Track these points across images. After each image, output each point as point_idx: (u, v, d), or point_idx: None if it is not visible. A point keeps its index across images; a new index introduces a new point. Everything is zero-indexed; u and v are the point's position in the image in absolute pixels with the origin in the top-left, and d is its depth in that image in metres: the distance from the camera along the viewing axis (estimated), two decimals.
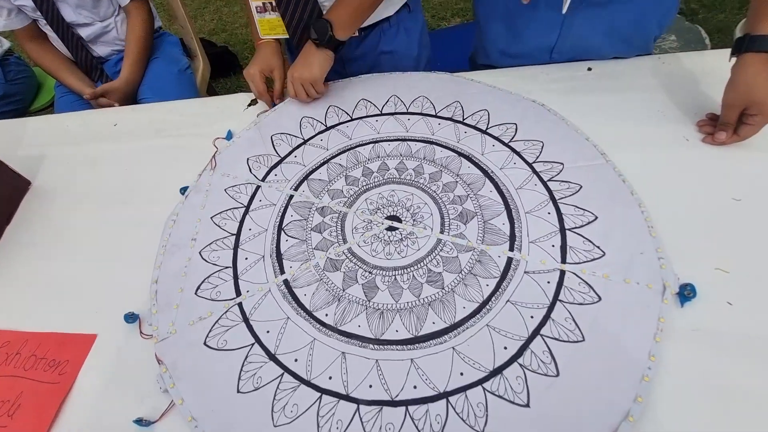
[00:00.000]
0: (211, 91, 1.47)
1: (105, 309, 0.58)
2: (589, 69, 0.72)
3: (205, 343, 0.51)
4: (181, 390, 0.48)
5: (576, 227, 0.53)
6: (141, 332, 0.55)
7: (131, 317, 0.55)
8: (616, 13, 0.65)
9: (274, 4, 0.74)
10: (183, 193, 0.67)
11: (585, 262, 0.51)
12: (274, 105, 0.77)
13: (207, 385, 0.48)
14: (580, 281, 0.49)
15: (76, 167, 0.79)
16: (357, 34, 0.78)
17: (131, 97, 1.13)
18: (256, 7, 0.75)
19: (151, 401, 0.50)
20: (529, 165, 0.61)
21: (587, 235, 0.52)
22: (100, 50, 1.17)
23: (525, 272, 0.51)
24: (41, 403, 0.52)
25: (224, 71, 1.92)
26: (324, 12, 0.74)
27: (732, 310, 0.47)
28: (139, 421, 0.47)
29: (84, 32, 1.12)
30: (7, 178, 0.74)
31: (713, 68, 0.68)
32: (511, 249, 0.53)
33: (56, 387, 0.53)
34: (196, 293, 0.55)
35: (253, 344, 0.50)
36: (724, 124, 0.57)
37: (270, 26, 0.76)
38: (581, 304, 0.48)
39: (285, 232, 0.59)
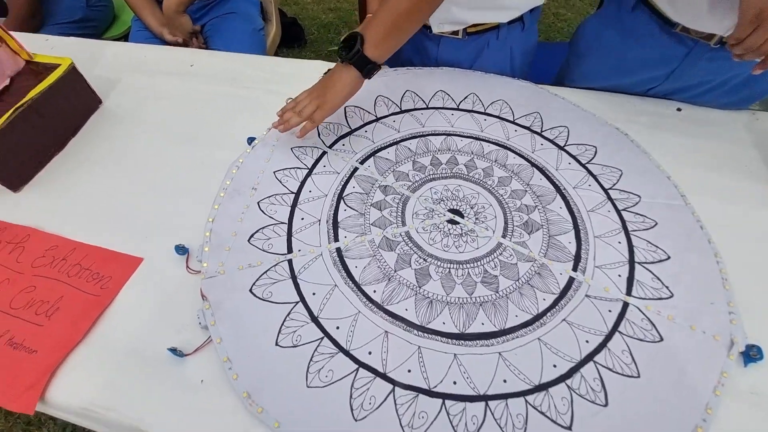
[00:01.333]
0: None
1: (154, 237, 0.58)
2: (679, 109, 0.70)
3: (251, 290, 0.51)
4: (220, 329, 0.48)
5: (646, 262, 0.51)
6: (187, 266, 0.55)
7: (181, 249, 0.55)
8: (736, 69, 0.62)
9: None
10: (249, 144, 0.67)
11: (651, 299, 0.49)
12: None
13: (246, 330, 0.48)
14: (643, 317, 0.47)
15: (148, 97, 0.80)
16: (460, 35, 0.73)
17: (181, 27, 1.09)
18: None
19: (187, 334, 0.50)
20: (605, 190, 0.59)
21: (657, 273, 0.50)
22: None
23: (586, 296, 0.49)
24: (80, 311, 0.53)
25: (290, 42, 1.93)
26: None
27: None
28: (174, 350, 0.47)
29: None
30: (81, 92, 0.75)
31: None
32: (575, 269, 0.52)
33: (96, 299, 0.54)
34: (249, 240, 0.55)
35: (297, 302, 0.50)
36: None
37: None
38: (641, 340, 0.46)
39: (345, 202, 0.59)
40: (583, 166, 0.62)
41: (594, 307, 0.48)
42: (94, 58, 0.90)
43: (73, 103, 0.74)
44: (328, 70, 0.81)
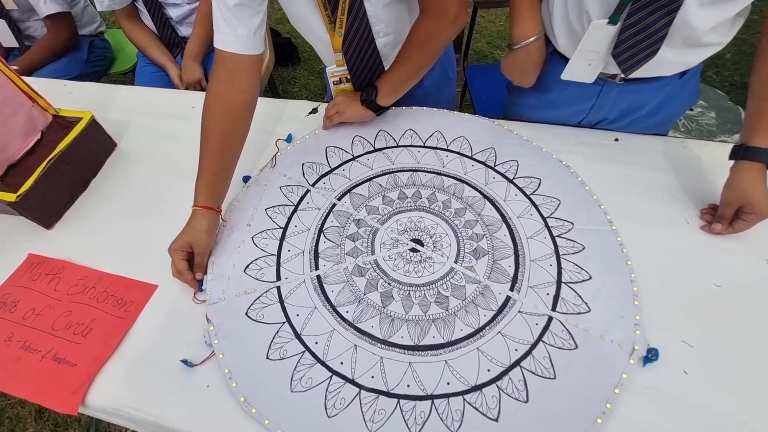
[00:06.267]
0: (270, 80, 1.59)
1: (166, 265, 0.70)
2: (616, 140, 0.80)
3: (246, 314, 0.62)
4: (222, 347, 0.59)
5: (571, 282, 0.62)
6: (194, 297, 0.66)
7: None
8: (646, 94, 0.73)
9: (348, 77, 0.84)
10: (245, 182, 0.78)
11: (571, 314, 0.59)
12: (201, 283, 0.66)
13: (243, 347, 0.59)
14: (563, 329, 0.58)
15: (157, 138, 0.92)
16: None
17: (192, 74, 1.25)
18: (333, 81, 0.86)
19: (195, 349, 0.61)
20: (543, 219, 0.69)
21: (579, 291, 0.61)
22: (184, 30, 1.31)
23: (519, 312, 0.60)
24: (108, 331, 0.65)
25: (284, 61, 2.04)
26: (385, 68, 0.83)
27: (687, 378, 0.55)
28: (185, 362, 0.59)
29: (173, 12, 1.26)
30: (100, 138, 0.87)
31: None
32: (512, 289, 0.62)
33: (121, 321, 0.66)
34: (244, 271, 0.66)
35: (284, 323, 0.61)
36: (721, 218, 0.65)
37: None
38: (560, 348, 0.57)
39: (324, 235, 0.70)
40: (527, 197, 0.72)
41: (524, 322, 0.59)
42: (109, 101, 1.01)
43: (93, 149, 0.86)
44: (313, 109, 0.92)
